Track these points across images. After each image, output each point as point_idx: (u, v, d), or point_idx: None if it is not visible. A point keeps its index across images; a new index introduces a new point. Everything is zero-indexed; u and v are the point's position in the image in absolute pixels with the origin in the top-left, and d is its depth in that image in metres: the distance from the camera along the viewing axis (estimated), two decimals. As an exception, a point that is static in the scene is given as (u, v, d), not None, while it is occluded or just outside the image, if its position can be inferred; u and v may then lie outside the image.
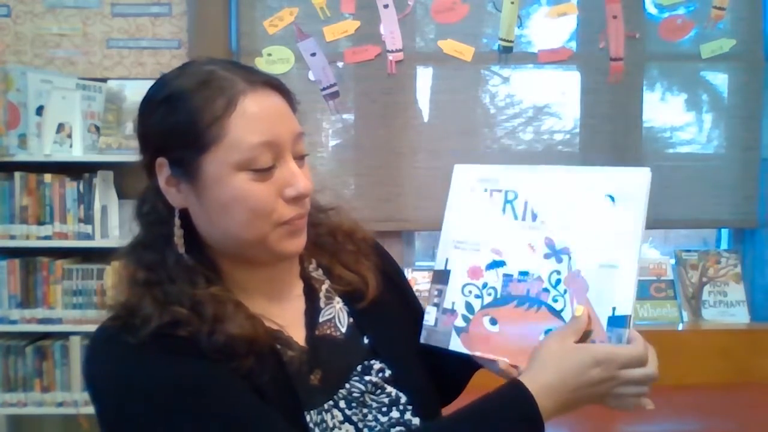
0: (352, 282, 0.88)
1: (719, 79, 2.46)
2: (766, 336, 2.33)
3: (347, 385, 0.82)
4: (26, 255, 2.12)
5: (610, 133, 2.39)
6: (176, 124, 0.75)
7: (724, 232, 2.61)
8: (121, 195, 2.17)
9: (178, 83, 0.76)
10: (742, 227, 2.50)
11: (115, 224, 2.17)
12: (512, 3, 2.35)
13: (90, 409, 0.78)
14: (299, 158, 0.79)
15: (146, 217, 0.81)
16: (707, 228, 2.62)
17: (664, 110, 2.45)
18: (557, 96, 2.41)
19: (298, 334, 0.83)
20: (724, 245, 2.60)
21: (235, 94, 0.74)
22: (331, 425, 0.79)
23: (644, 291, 2.40)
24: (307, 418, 0.77)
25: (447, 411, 0.97)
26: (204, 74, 0.76)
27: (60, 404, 2.12)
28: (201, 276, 0.77)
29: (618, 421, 1.95)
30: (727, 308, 2.41)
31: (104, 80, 2.24)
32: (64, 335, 2.13)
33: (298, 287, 0.88)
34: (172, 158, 0.76)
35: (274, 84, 0.79)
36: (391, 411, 0.82)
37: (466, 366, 0.90)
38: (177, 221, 0.78)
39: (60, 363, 2.13)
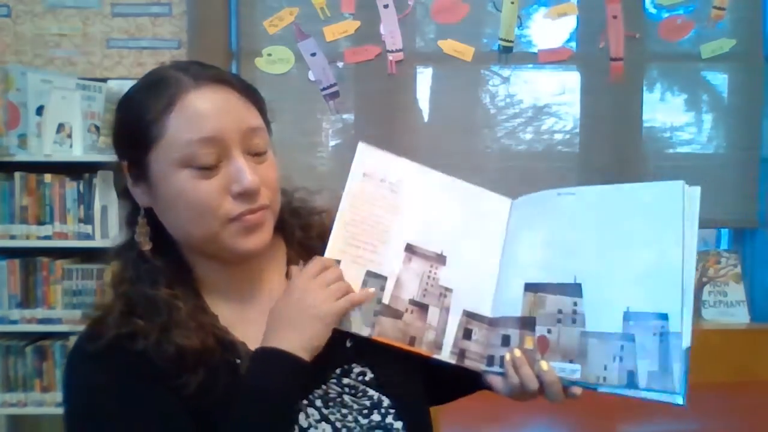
0: None
1: (719, 79, 2.46)
2: (766, 336, 2.33)
3: (324, 386, 0.82)
4: (26, 255, 2.12)
5: (610, 133, 2.39)
6: (124, 126, 0.79)
7: (724, 232, 2.61)
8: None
9: (133, 88, 0.80)
10: (742, 227, 2.50)
11: (115, 224, 2.17)
12: (512, 3, 2.35)
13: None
14: (255, 153, 0.78)
15: (125, 218, 0.85)
16: (707, 228, 2.62)
17: (664, 110, 2.45)
18: (557, 96, 2.41)
19: None
20: (724, 245, 2.60)
21: (177, 92, 0.75)
22: (305, 425, 0.79)
23: (644, 291, 2.40)
24: None
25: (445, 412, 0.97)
26: (156, 76, 0.78)
27: (60, 404, 2.11)
28: (163, 276, 0.79)
29: (618, 420, 1.95)
30: (727, 308, 2.41)
31: (104, 80, 2.24)
32: (64, 335, 2.13)
33: (283, 287, 0.87)
34: (129, 160, 0.80)
35: (224, 80, 0.78)
36: (372, 414, 0.82)
37: (468, 381, 0.89)
38: (140, 220, 0.81)
39: (60, 363, 2.12)
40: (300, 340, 0.76)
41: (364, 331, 0.83)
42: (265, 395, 0.75)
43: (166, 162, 0.75)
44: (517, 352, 0.81)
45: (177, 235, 0.81)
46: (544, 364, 0.79)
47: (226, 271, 0.83)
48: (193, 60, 0.83)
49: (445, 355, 0.85)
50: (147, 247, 0.80)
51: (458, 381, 0.91)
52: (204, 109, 0.75)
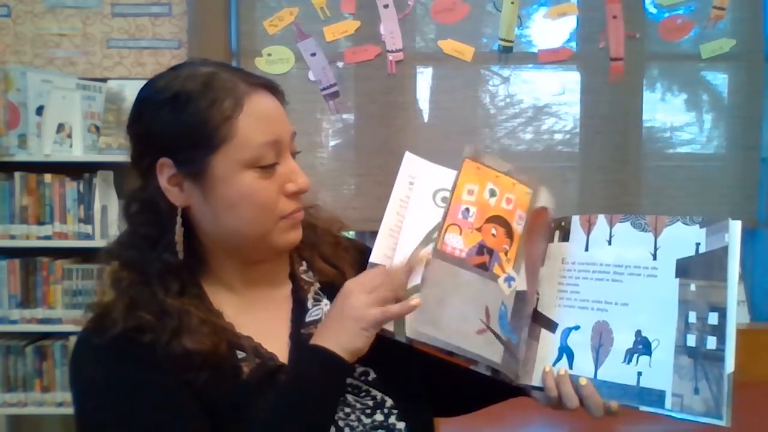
0: (330, 275, 0.90)
1: (719, 79, 2.46)
2: (766, 336, 2.33)
3: None
4: (26, 255, 2.12)
5: (610, 133, 2.39)
6: (185, 124, 0.77)
7: (724, 232, 2.60)
8: (121, 195, 2.16)
9: (180, 84, 0.77)
10: (742, 227, 2.49)
11: (115, 224, 2.17)
12: (512, 3, 2.35)
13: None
14: (294, 156, 0.83)
15: (134, 217, 0.84)
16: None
17: (664, 110, 2.45)
18: (557, 96, 2.41)
19: (279, 334, 0.84)
20: (724, 245, 2.60)
21: (240, 95, 0.77)
22: None
23: (644, 291, 2.40)
24: None
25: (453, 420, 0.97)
26: (205, 76, 0.78)
27: (60, 404, 2.12)
28: (176, 283, 0.79)
29: (618, 420, 1.94)
30: (727, 308, 2.41)
31: (104, 80, 2.24)
32: (64, 335, 2.13)
33: (287, 288, 0.89)
34: (178, 158, 0.78)
35: (270, 86, 0.82)
36: (374, 413, 0.82)
37: (489, 391, 0.90)
38: (179, 219, 0.80)
39: (60, 363, 2.13)
40: (338, 341, 0.77)
41: (402, 338, 0.80)
42: (303, 384, 0.76)
43: (232, 162, 0.77)
44: (561, 370, 0.81)
45: (218, 234, 0.81)
46: (582, 380, 0.80)
47: (244, 270, 0.85)
48: (220, 61, 0.83)
49: (482, 368, 0.83)
50: (181, 247, 0.80)
51: (483, 389, 0.90)
52: (267, 113, 0.79)
